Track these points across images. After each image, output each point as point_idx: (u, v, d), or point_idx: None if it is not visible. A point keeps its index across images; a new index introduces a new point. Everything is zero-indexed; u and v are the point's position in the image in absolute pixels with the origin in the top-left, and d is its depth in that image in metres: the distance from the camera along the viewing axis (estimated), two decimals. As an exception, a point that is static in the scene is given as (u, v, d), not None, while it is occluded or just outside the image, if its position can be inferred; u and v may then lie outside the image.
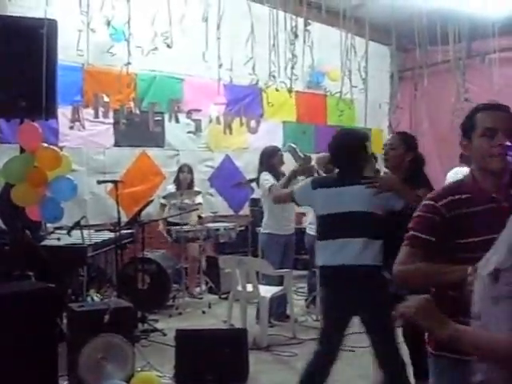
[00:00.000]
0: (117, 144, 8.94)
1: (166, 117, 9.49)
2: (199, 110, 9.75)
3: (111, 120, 8.88)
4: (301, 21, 6.21)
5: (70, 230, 6.05)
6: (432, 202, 2.55)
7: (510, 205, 2.47)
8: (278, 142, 9.89)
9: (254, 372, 5.49)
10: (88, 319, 4.92)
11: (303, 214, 9.00)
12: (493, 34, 7.07)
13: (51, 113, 5.32)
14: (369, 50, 7.53)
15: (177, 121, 9.59)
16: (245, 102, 10.24)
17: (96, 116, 8.76)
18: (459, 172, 8.40)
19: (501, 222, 2.10)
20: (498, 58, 7.60)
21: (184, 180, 8.57)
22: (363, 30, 7.47)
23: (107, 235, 6.83)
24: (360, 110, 10.57)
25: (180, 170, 8.70)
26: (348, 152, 4.34)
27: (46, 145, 5.80)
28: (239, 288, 6.69)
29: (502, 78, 7.47)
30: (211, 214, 8.87)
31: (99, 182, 7.18)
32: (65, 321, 5.43)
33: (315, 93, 11.18)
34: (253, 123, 10.48)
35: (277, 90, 6.24)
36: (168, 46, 5.49)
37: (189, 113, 9.69)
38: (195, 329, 6.10)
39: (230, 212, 10.11)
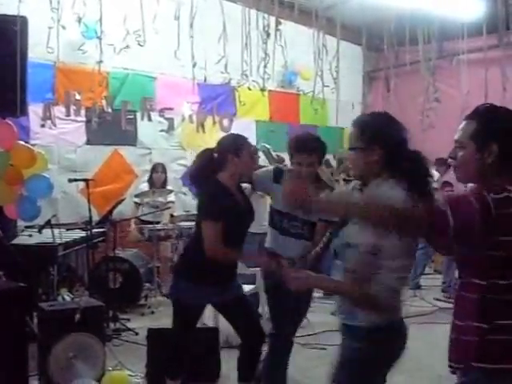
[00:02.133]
0: (89, 142, 8.88)
1: (139, 115, 9.45)
2: (172, 109, 9.73)
3: (83, 118, 8.81)
4: (273, 20, 6.24)
5: (40, 228, 6.02)
6: None
7: None
8: (251, 141, 9.89)
9: (226, 370, 5.49)
10: (58, 318, 4.90)
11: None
12: (462, 35, 7.15)
13: (22, 110, 5.28)
14: (341, 50, 7.59)
15: (149, 119, 9.56)
16: (218, 101, 10.24)
17: (68, 114, 8.69)
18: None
19: None
20: (467, 58, 7.69)
21: (157, 179, 8.55)
22: (335, 30, 7.54)
23: (78, 234, 6.79)
24: (332, 109, 10.58)
25: (153, 169, 8.67)
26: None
27: (21, 143, 5.78)
28: (211, 287, 6.67)
29: (471, 78, 7.55)
30: (184, 213, 8.85)
31: (70, 181, 7.11)
32: (35, 320, 5.39)
33: (288, 92, 11.22)
34: (225, 122, 10.48)
35: (249, 89, 6.25)
36: (140, 45, 5.47)
37: (161, 111, 9.66)
38: (166, 328, 6.07)
39: (203, 211, 10.07)
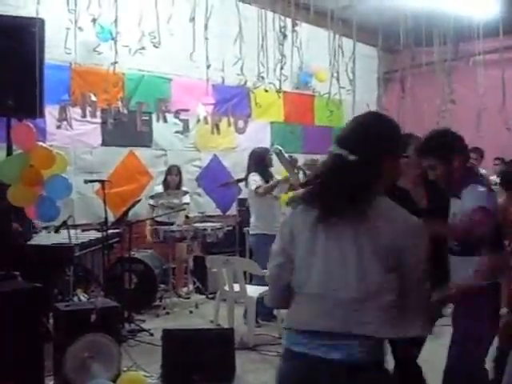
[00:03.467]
0: (104, 143, 8.92)
1: (154, 116, 9.48)
2: (187, 110, 9.75)
3: (99, 119, 8.85)
4: (289, 21, 6.23)
5: (56, 229, 6.04)
6: None
7: None
8: (266, 143, 9.94)
9: (240, 371, 5.50)
10: (74, 319, 4.92)
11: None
12: (478, 35, 7.10)
13: (39, 112, 5.30)
14: (356, 51, 7.56)
15: (164, 120, 9.59)
16: (233, 102, 10.25)
17: (83, 115, 8.73)
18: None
19: None
20: (483, 59, 7.64)
21: (172, 181, 8.56)
22: (351, 31, 7.50)
23: (94, 235, 6.81)
24: (348, 110, 10.60)
25: (169, 171, 8.68)
26: None
27: (41, 144, 5.81)
28: (226, 288, 6.70)
29: (486, 79, 7.50)
30: (198, 214, 8.87)
31: (86, 182, 7.15)
32: (51, 321, 5.42)
33: (303, 93, 11.21)
34: (240, 123, 10.49)
35: (266, 91, 6.23)
36: (155, 46, 5.47)
37: (176, 113, 9.69)
38: (182, 329, 6.11)
39: (218, 212, 10.11)
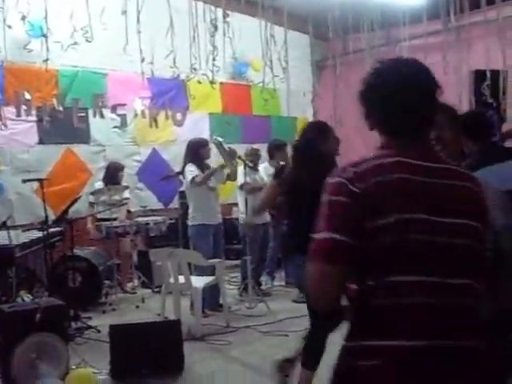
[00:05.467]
0: (41, 142, 8.77)
1: (91, 112, 9.35)
2: (124, 105, 9.67)
3: (34, 118, 8.70)
4: (221, 12, 6.27)
5: (-4, 230, 5.97)
6: None
7: None
8: (205, 134, 9.93)
9: (189, 362, 5.54)
10: (19, 319, 4.88)
11: (234, 205, 9.11)
12: (403, 22, 7.28)
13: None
14: (289, 39, 7.66)
15: (101, 116, 9.47)
16: (169, 95, 10.19)
17: (18, 114, 8.57)
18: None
19: None
20: (410, 45, 7.83)
21: (112, 178, 8.50)
22: (283, 20, 7.59)
23: (35, 234, 6.74)
24: (284, 99, 10.73)
25: (107, 168, 8.64)
26: None
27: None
28: (171, 280, 6.72)
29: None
30: (140, 209, 8.84)
31: (24, 181, 7.06)
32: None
33: (239, 83, 11.24)
34: (179, 116, 10.45)
35: (199, 83, 6.26)
36: (88, 41, 5.45)
37: (113, 107, 9.59)
38: (128, 323, 6.11)
39: (160, 206, 10.08)
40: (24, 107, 8.61)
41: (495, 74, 7.43)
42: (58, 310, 5.13)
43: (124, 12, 5.42)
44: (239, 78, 11.19)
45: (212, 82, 5.89)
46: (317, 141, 4.44)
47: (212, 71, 5.73)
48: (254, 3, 6.19)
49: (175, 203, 9.66)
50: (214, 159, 7.97)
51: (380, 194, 1.80)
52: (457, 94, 6.76)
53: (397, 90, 1.93)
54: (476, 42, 7.72)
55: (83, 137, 9.29)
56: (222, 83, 10.71)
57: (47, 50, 5.38)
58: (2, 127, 8.38)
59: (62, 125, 8.95)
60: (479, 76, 7.60)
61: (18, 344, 4.67)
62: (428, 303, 1.79)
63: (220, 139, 7.46)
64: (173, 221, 8.83)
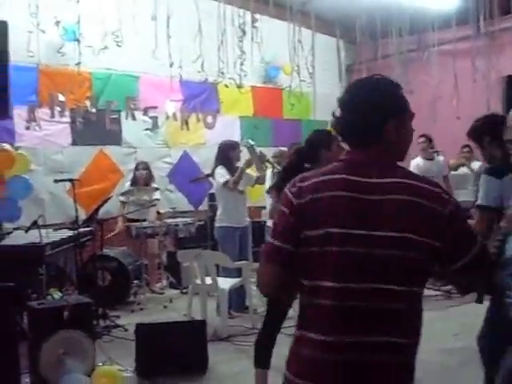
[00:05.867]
0: (74, 143, 8.97)
1: (123, 114, 9.53)
2: (155, 107, 9.81)
3: (68, 119, 8.89)
4: (249, 16, 6.35)
5: (27, 229, 6.09)
6: None
7: None
8: (236, 137, 10.01)
9: (213, 362, 5.61)
10: (48, 316, 4.97)
11: (262, 208, 9.15)
12: (432, 27, 7.28)
13: (4, 113, 5.36)
14: (321, 44, 7.71)
15: (133, 118, 9.64)
16: (201, 98, 10.30)
17: (52, 116, 8.77)
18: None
19: None
20: (440, 50, 7.82)
21: (140, 177, 8.63)
22: (319, 25, 7.65)
23: (66, 234, 6.86)
24: (314, 102, 10.76)
25: (136, 167, 8.77)
26: None
27: (3, 144, 5.88)
28: (198, 281, 6.81)
29: (443, 69, 7.68)
30: (170, 210, 8.95)
31: (56, 181, 7.20)
32: (26, 320, 5.48)
33: (270, 87, 11.30)
34: (209, 119, 10.56)
35: (226, 87, 6.34)
36: (118, 45, 5.57)
37: (145, 110, 9.74)
38: (154, 322, 6.20)
39: (190, 207, 10.20)
40: (58, 109, 8.80)
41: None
42: (86, 308, 5.22)
43: (154, 17, 5.52)
44: (270, 82, 11.25)
45: (239, 87, 5.96)
46: (318, 149, 4.57)
47: (240, 75, 5.80)
48: (283, 7, 6.24)
49: (205, 205, 9.78)
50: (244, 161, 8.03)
51: (312, 209, 2.08)
52: (486, 100, 6.74)
53: (344, 108, 2.16)
54: (507, 48, 7.68)
55: (115, 139, 9.46)
56: (253, 87, 10.83)
57: (79, 53, 5.51)
58: (37, 128, 8.57)
59: (95, 126, 9.13)
60: (510, 82, 7.57)
61: (45, 340, 4.77)
62: (331, 305, 2.04)
63: (251, 142, 7.53)
64: (202, 222, 8.92)
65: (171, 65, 5.68)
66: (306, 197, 2.10)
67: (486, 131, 4.00)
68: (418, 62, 8.12)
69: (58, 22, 5.44)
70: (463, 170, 10.02)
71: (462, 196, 9.10)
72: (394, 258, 2.02)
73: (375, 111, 2.12)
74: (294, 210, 2.11)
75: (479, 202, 3.86)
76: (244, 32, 5.64)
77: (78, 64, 5.53)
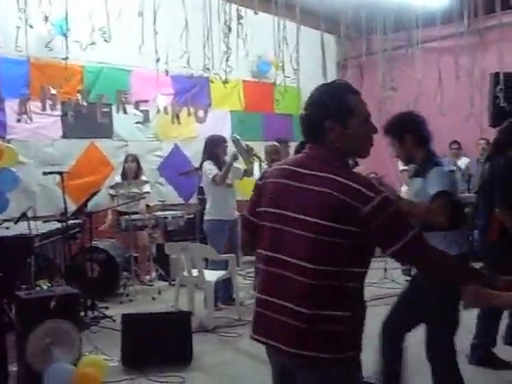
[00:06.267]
0: (65, 136, 9.02)
1: (114, 108, 9.60)
2: (147, 101, 9.88)
3: (59, 112, 8.95)
4: (249, 11, 6.44)
5: (16, 220, 6.19)
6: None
7: None
8: (227, 131, 10.12)
9: (199, 352, 5.72)
10: (35, 306, 5.05)
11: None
12: (416, 24, 7.36)
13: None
14: (314, 39, 7.78)
15: (125, 112, 9.70)
16: (192, 92, 10.38)
17: (43, 108, 8.83)
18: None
19: None
20: (423, 47, 7.89)
21: (129, 170, 8.72)
22: (310, 20, 7.71)
23: (55, 226, 6.95)
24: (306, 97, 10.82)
25: (125, 160, 8.86)
26: None
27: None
28: (185, 273, 6.91)
29: (427, 66, 7.77)
30: (159, 203, 9.03)
31: (45, 174, 7.26)
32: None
33: (262, 82, 11.37)
34: (201, 113, 10.65)
35: (212, 82, 6.42)
36: (105, 41, 5.64)
37: (136, 104, 9.81)
38: (140, 313, 6.30)
39: (180, 201, 10.28)
40: (49, 102, 8.85)
41: (509, 76, 7.47)
42: (73, 298, 5.30)
43: (140, 13, 5.60)
44: (261, 77, 11.32)
45: (225, 82, 6.04)
46: None
47: (225, 71, 5.88)
48: (269, 0, 6.29)
49: (195, 198, 9.86)
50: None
51: (262, 190, 2.59)
52: (469, 97, 6.84)
53: (304, 107, 2.53)
54: (493, 46, 7.78)
55: (106, 132, 9.53)
56: (244, 81, 10.92)
57: (67, 48, 5.60)
58: (28, 121, 8.62)
59: (86, 120, 9.19)
60: (496, 79, 7.66)
61: (33, 329, 4.86)
62: (263, 269, 2.54)
63: (238, 137, 7.65)
64: (191, 216, 9.01)
65: (158, 60, 5.75)
66: (264, 180, 2.63)
67: (408, 129, 3.99)
68: (409, 58, 8.20)
69: (46, 18, 5.49)
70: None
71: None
72: (304, 238, 2.40)
73: (317, 111, 2.45)
74: (255, 189, 2.67)
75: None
76: (230, 28, 5.71)
77: (66, 59, 5.59)
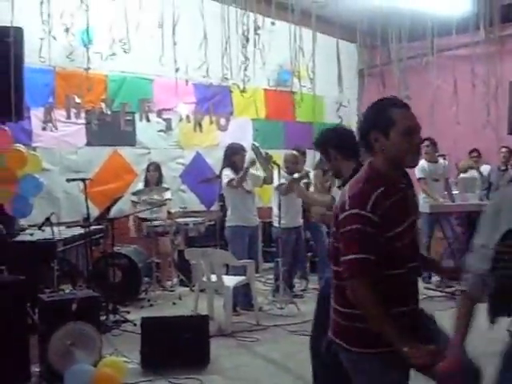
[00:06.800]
0: (89, 144, 9.23)
1: (137, 116, 9.78)
2: (169, 109, 10.04)
3: (83, 120, 9.16)
4: (267, 20, 6.56)
5: (40, 226, 6.35)
6: (362, 212, 2.59)
7: (410, 190, 2.85)
8: (248, 139, 10.22)
9: (216, 356, 5.83)
10: (57, 308, 5.21)
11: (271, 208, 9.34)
12: (432, 33, 7.41)
13: (18, 115, 5.62)
14: (335, 47, 7.85)
15: (147, 120, 9.88)
16: (214, 101, 10.51)
17: (68, 117, 9.05)
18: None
19: (410, 207, 2.75)
20: (454, 54, 7.91)
21: (151, 178, 8.87)
22: (330, 29, 7.80)
23: (78, 231, 7.11)
24: (329, 105, 10.91)
25: (147, 168, 9.01)
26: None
27: (17, 145, 6.16)
28: (204, 279, 7.03)
29: (448, 74, 7.79)
30: (180, 210, 9.17)
31: (68, 181, 7.47)
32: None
33: (283, 90, 11.45)
34: (222, 121, 10.79)
35: (231, 91, 6.56)
36: (125, 52, 5.80)
37: (159, 112, 9.98)
38: (159, 316, 6.42)
39: (202, 208, 10.42)
40: (74, 110, 9.06)
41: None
42: (94, 301, 5.46)
43: (160, 25, 5.76)
44: (283, 85, 11.41)
45: (242, 91, 6.16)
46: None
47: (243, 80, 6.01)
48: (303, 12, 6.41)
49: (216, 206, 9.99)
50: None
51: None
52: (485, 106, 6.88)
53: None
54: (509, 55, 7.83)
55: (129, 140, 9.71)
56: (266, 90, 11.06)
57: (88, 59, 5.77)
58: (53, 129, 8.84)
59: (110, 128, 9.40)
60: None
61: (54, 331, 5.01)
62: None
63: (257, 144, 7.79)
64: (212, 222, 9.14)
65: (177, 70, 5.91)
66: None
67: (332, 145, 4.14)
68: (424, 66, 8.24)
69: (67, 29, 5.68)
70: (472, 172, 10.16)
71: (470, 199, 9.26)
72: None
73: (364, 124, 2.76)
74: None
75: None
76: (247, 39, 5.85)
77: (87, 69, 5.76)
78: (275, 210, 8.03)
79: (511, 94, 7.87)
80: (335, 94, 9.23)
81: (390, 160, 2.69)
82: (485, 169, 10.54)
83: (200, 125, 10.49)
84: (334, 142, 4.15)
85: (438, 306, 7.09)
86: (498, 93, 7.69)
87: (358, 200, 2.60)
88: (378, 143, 2.68)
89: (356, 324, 2.68)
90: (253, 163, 7.56)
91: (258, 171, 7.91)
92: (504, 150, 10.05)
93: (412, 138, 2.66)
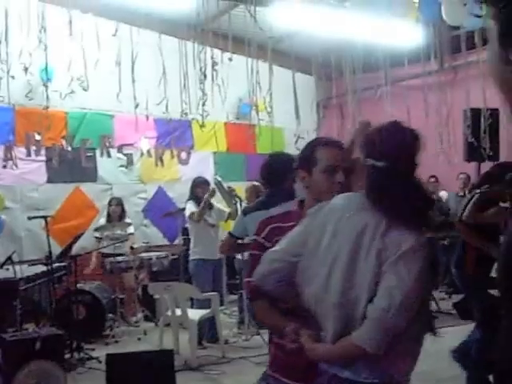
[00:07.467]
0: (50, 181, 9.22)
1: (98, 152, 9.80)
2: (130, 145, 10.08)
3: (43, 158, 9.15)
4: (225, 54, 6.70)
5: (2, 264, 6.32)
6: (256, 237, 2.89)
7: None
8: (210, 172, 10.29)
9: (182, 392, 5.81)
10: (20, 347, 5.19)
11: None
12: (384, 64, 7.62)
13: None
14: (291, 79, 8.02)
15: (108, 156, 9.91)
16: (175, 135, 10.56)
17: (28, 154, 9.04)
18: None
19: None
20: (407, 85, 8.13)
21: (113, 213, 8.87)
22: (287, 62, 7.98)
23: (40, 269, 7.07)
24: (288, 137, 11.06)
25: (109, 203, 9.01)
26: (277, 174, 4.71)
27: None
28: (168, 313, 7.03)
29: (409, 103, 8.00)
30: (143, 244, 9.17)
31: (29, 218, 7.44)
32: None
33: (244, 123, 11.57)
34: (183, 155, 10.84)
35: (191, 126, 6.65)
36: (84, 90, 5.87)
37: (120, 147, 10.01)
38: (124, 352, 6.39)
39: (165, 242, 10.42)
40: (34, 148, 9.05)
41: (476, 112, 7.75)
42: (58, 339, 5.45)
43: (118, 63, 5.84)
44: (243, 118, 11.54)
45: (202, 126, 6.26)
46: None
47: (202, 115, 6.11)
48: (259, 46, 6.56)
49: (180, 239, 10.00)
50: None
51: None
52: (438, 135, 7.08)
53: None
54: (459, 83, 8.07)
55: (91, 176, 9.72)
56: (226, 123, 11.16)
57: (47, 97, 5.82)
58: (13, 167, 8.82)
59: (71, 164, 9.39)
60: (467, 115, 7.94)
61: (18, 370, 4.97)
62: None
63: (219, 179, 7.88)
64: (176, 256, 9.15)
65: (136, 106, 5.98)
66: None
67: (260, 173, 5.00)
68: (379, 97, 8.46)
69: (26, 68, 5.72)
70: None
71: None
72: None
73: (296, 162, 2.93)
74: None
75: None
76: (205, 75, 5.96)
77: (46, 108, 5.81)
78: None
79: (464, 122, 8.07)
80: (294, 126, 9.44)
81: (315, 197, 2.74)
82: (443, 195, 10.76)
83: (161, 159, 10.54)
84: (261, 170, 4.90)
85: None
86: (451, 121, 7.93)
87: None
88: (305, 180, 2.83)
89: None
90: (212, 194, 7.61)
91: (220, 204, 7.97)
92: (462, 176, 10.27)
93: (333, 177, 2.73)
